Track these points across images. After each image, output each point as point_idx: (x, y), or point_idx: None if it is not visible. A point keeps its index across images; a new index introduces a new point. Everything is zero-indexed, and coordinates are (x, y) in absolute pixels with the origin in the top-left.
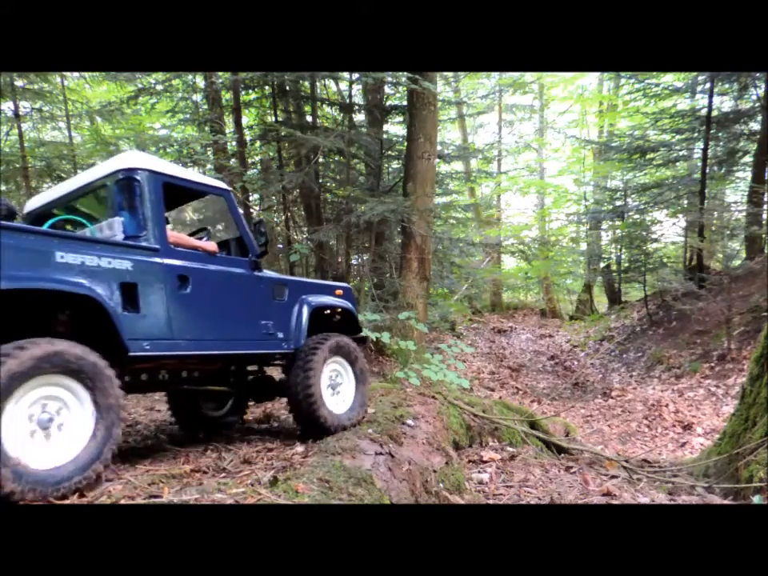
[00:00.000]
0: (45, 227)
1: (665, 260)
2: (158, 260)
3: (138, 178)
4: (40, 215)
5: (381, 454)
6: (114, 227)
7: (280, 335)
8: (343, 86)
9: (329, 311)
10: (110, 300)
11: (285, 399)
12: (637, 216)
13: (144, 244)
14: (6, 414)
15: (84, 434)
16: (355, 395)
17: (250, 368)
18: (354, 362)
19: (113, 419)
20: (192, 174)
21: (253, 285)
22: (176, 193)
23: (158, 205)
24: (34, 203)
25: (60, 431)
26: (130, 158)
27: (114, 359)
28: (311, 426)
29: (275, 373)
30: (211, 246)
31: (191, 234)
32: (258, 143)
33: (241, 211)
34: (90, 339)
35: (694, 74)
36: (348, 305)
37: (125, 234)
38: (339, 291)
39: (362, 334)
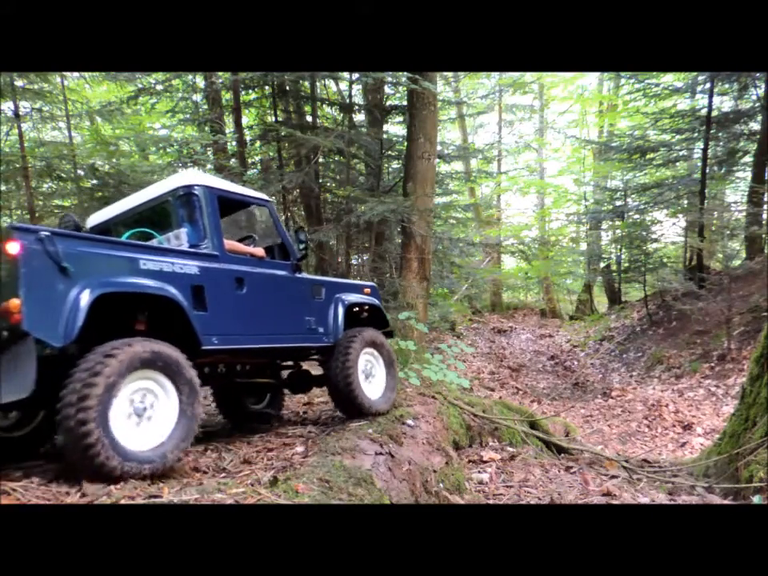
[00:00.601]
0: (124, 238)
1: (665, 260)
2: (218, 265)
3: (197, 193)
4: (103, 230)
5: (381, 453)
6: (181, 237)
7: (321, 330)
8: (343, 86)
9: (359, 308)
10: (185, 300)
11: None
12: (637, 216)
13: (206, 251)
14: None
15: (170, 421)
16: (386, 382)
17: (284, 363)
18: (384, 352)
19: (193, 409)
20: (239, 188)
21: (295, 285)
22: (227, 204)
23: (215, 216)
24: (96, 218)
25: (151, 419)
26: (189, 176)
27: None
28: (350, 409)
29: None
30: (259, 251)
31: (239, 241)
32: (258, 143)
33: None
34: (166, 337)
35: (694, 74)
36: (376, 302)
37: (189, 243)
38: (367, 290)
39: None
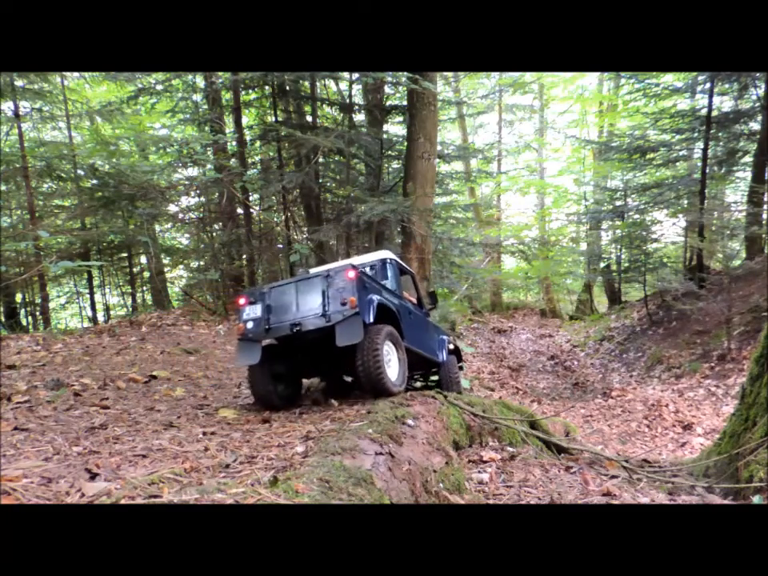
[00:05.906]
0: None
1: (665, 260)
2: (401, 302)
3: (392, 263)
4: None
5: (381, 453)
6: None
7: (438, 353)
8: (343, 86)
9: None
10: (398, 313)
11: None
12: (637, 216)
13: (396, 294)
14: (384, 354)
15: (396, 367)
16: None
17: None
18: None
19: (405, 362)
20: (402, 263)
21: (427, 324)
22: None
23: (399, 276)
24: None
25: (391, 366)
26: (387, 254)
27: None
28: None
29: None
30: (413, 298)
31: None
32: (258, 143)
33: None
34: None
35: (694, 74)
36: (456, 344)
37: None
38: (452, 337)
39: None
